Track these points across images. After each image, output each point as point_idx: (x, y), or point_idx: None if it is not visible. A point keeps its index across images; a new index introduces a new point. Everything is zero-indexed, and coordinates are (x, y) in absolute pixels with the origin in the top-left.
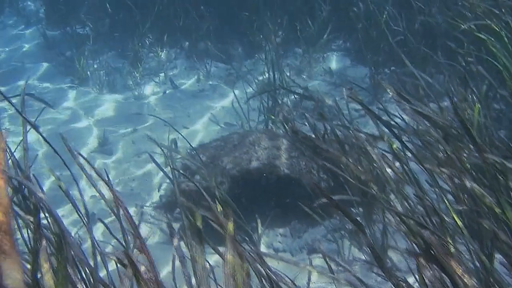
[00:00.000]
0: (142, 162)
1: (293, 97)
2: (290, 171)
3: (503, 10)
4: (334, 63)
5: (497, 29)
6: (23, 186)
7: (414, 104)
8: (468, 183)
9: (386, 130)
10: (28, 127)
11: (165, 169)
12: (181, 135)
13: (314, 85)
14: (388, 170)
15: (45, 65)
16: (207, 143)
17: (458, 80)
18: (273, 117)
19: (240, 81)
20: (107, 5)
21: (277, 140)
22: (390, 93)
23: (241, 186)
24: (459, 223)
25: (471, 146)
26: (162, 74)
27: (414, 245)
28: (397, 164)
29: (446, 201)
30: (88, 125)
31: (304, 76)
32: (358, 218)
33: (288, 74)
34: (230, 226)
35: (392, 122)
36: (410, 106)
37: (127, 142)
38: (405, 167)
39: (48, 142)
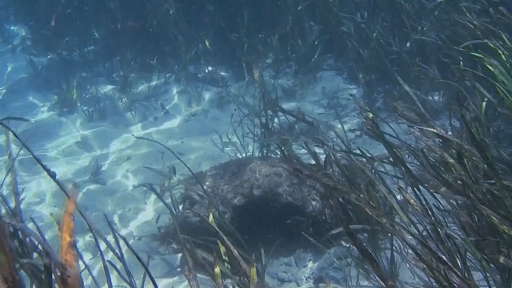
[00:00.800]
0: (136, 192)
1: (284, 118)
2: (292, 198)
3: (498, 27)
4: (326, 82)
5: (493, 46)
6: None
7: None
8: (484, 211)
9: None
10: None
11: (162, 198)
12: (183, 162)
13: (307, 106)
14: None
15: (32, 92)
16: (204, 171)
17: (453, 98)
18: (269, 143)
19: (232, 103)
20: (93, 30)
21: (277, 166)
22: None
23: (243, 216)
24: (478, 255)
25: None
26: (153, 99)
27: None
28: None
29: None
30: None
31: (297, 97)
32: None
33: (279, 95)
34: (254, 272)
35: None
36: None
37: (121, 170)
38: (417, 193)
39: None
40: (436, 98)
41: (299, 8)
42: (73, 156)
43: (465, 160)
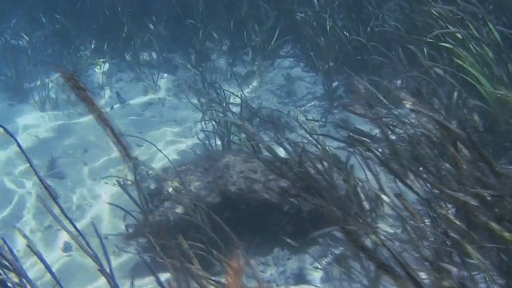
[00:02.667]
0: (98, 186)
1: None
2: (269, 195)
3: (465, 16)
4: (284, 70)
5: (461, 36)
6: None
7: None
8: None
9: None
10: None
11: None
12: (162, 153)
13: (265, 94)
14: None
15: None
16: (174, 165)
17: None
18: (238, 136)
19: (189, 92)
20: (41, 15)
21: (251, 162)
22: (408, 104)
23: (218, 214)
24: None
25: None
26: (107, 88)
27: None
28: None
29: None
30: (32, 145)
31: (255, 84)
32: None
33: (236, 83)
34: None
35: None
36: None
37: (78, 164)
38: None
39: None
40: (398, 84)
41: None
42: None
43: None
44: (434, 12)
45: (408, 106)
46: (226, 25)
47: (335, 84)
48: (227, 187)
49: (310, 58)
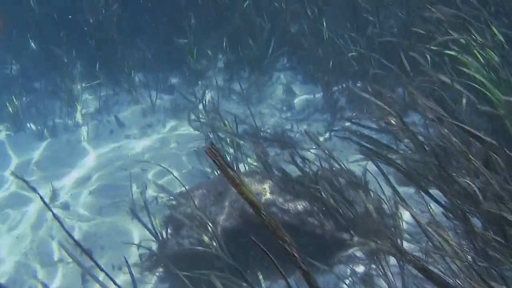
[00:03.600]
0: (107, 215)
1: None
2: (288, 217)
3: (468, 18)
4: (282, 84)
5: (465, 42)
6: None
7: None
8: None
9: None
10: None
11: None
12: (176, 177)
13: (266, 110)
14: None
15: None
16: (185, 191)
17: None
18: (250, 157)
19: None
20: (30, 41)
21: (267, 182)
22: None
23: (236, 238)
24: None
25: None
26: (105, 112)
27: None
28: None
29: None
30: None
31: (254, 101)
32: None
33: (235, 99)
34: None
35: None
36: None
37: (84, 193)
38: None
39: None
40: (400, 92)
41: (245, 4)
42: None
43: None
44: (434, 17)
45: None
46: (220, 41)
47: (335, 95)
48: (244, 211)
49: (307, 70)
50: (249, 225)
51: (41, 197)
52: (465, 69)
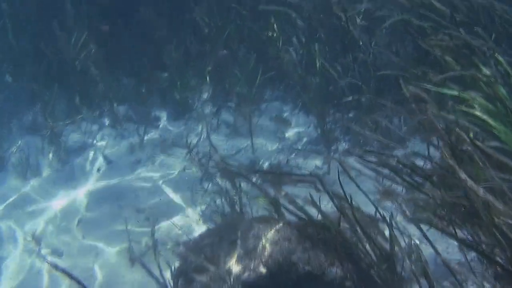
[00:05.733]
0: (103, 262)
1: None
2: (310, 267)
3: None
4: (272, 114)
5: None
6: None
7: None
8: None
9: None
10: None
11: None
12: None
13: (257, 141)
14: None
15: None
16: (194, 239)
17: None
18: (261, 200)
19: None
20: (6, 76)
21: (282, 229)
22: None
23: None
24: None
25: None
26: (90, 148)
27: None
28: None
29: None
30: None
31: (244, 133)
32: None
33: (225, 132)
34: None
35: None
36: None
37: (74, 236)
38: None
39: None
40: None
41: (225, 33)
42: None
43: None
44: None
45: None
46: (203, 72)
47: (329, 125)
48: (262, 261)
49: (297, 100)
50: (268, 279)
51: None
52: (469, 109)
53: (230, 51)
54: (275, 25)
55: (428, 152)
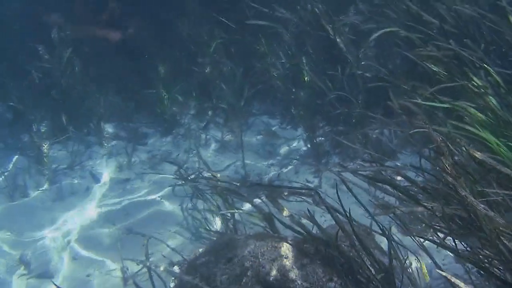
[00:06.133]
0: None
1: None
2: (309, 284)
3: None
4: (260, 129)
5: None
6: None
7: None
8: None
9: None
10: None
11: None
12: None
13: (247, 157)
14: None
15: None
16: (191, 258)
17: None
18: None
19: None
20: None
21: (281, 246)
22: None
23: None
24: None
25: None
26: (78, 167)
27: None
28: None
29: None
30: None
31: (233, 148)
32: None
33: (214, 148)
34: None
35: None
36: None
37: (66, 258)
38: None
39: None
40: (386, 134)
41: (211, 48)
42: None
43: None
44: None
45: None
46: (191, 87)
47: (318, 139)
48: (260, 280)
49: (284, 114)
50: None
51: None
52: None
53: (217, 65)
54: (263, 40)
55: (420, 164)
